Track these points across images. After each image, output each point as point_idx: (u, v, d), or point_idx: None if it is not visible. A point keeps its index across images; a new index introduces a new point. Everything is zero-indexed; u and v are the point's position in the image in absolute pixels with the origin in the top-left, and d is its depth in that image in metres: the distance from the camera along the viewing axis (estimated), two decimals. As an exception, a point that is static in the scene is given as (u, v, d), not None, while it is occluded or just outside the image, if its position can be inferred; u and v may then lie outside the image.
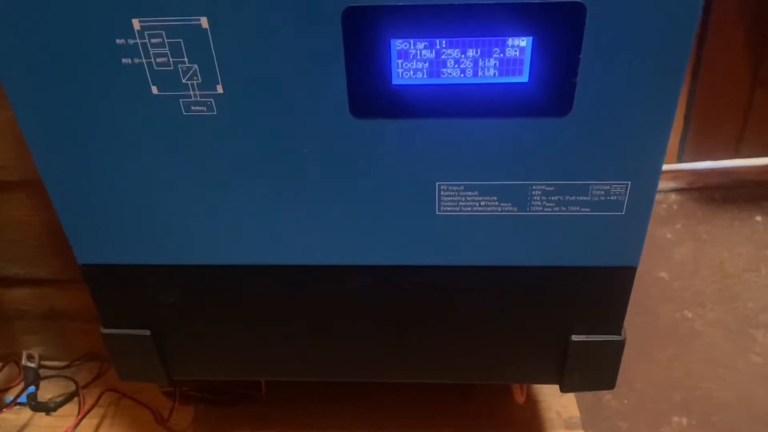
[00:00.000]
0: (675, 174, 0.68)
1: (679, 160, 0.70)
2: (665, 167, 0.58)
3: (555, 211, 0.38)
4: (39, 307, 0.68)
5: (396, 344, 0.45)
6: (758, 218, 0.68)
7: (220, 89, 0.35)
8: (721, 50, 0.64)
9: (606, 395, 0.78)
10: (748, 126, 0.68)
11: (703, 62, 0.65)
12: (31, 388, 0.65)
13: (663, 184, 0.69)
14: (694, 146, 0.69)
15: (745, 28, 0.63)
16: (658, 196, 0.62)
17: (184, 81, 0.35)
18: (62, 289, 0.66)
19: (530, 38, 0.32)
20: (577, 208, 0.38)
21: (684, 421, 0.78)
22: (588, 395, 0.75)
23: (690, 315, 0.74)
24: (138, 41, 0.33)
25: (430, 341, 0.45)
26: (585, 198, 0.37)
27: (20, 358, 0.67)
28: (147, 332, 0.46)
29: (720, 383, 0.76)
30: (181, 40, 0.33)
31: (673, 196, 0.69)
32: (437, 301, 0.43)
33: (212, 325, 0.46)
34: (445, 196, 0.38)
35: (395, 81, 0.34)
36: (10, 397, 0.65)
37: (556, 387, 0.47)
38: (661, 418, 0.78)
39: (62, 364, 0.70)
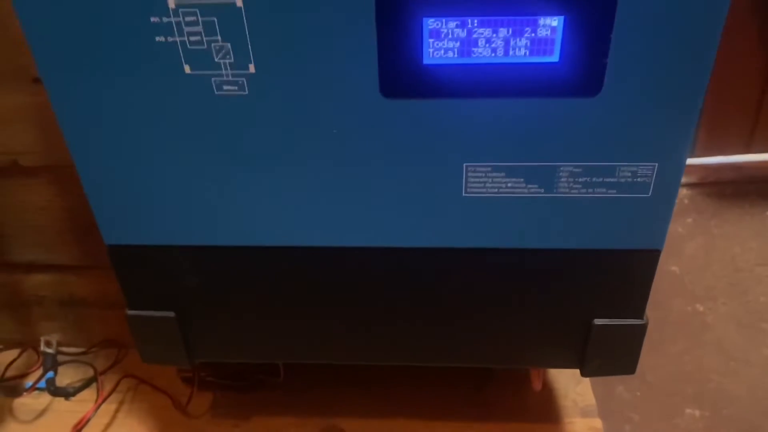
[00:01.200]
0: (686, 169, 0.68)
1: (691, 155, 0.70)
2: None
3: (582, 193, 0.38)
4: (58, 293, 0.68)
5: (418, 327, 0.46)
6: (769, 213, 0.69)
7: (252, 69, 0.35)
8: (733, 45, 0.64)
9: (618, 387, 0.78)
10: (759, 121, 0.68)
11: (715, 57, 0.65)
12: (50, 374, 0.65)
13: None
14: (706, 141, 0.69)
15: (758, 22, 0.63)
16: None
17: (216, 60, 0.35)
18: (81, 276, 0.67)
19: (562, 18, 0.32)
20: (604, 190, 0.38)
21: (696, 413, 0.78)
22: (600, 387, 0.75)
23: (701, 309, 0.74)
24: (172, 20, 0.34)
25: (453, 324, 0.45)
26: (612, 180, 0.37)
27: (39, 344, 0.68)
28: (171, 314, 0.46)
29: (732, 376, 0.76)
30: (215, 18, 0.34)
31: (684, 191, 0.69)
32: (462, 283, 0.43)
33: (236, 306, 0.46)
34: (472, 177, 0.38)
35: (426, 60, 0.34)
36: (29, 382, 0.66)
37: (572, 374, 0.47)
38: (674, 410, 0.78)
39: (80, 350, 0.71)
